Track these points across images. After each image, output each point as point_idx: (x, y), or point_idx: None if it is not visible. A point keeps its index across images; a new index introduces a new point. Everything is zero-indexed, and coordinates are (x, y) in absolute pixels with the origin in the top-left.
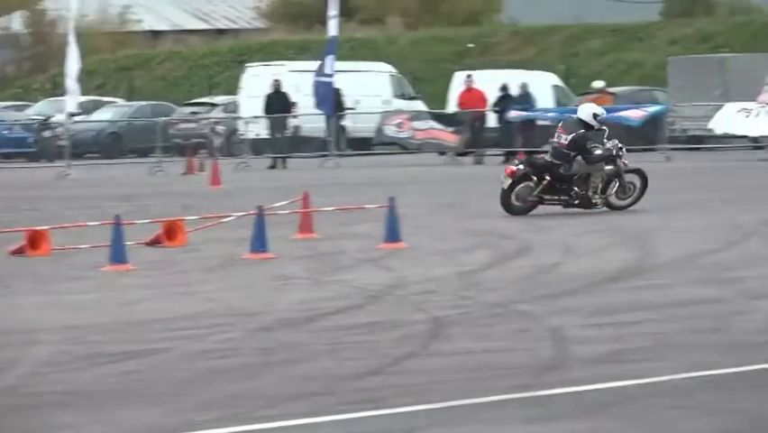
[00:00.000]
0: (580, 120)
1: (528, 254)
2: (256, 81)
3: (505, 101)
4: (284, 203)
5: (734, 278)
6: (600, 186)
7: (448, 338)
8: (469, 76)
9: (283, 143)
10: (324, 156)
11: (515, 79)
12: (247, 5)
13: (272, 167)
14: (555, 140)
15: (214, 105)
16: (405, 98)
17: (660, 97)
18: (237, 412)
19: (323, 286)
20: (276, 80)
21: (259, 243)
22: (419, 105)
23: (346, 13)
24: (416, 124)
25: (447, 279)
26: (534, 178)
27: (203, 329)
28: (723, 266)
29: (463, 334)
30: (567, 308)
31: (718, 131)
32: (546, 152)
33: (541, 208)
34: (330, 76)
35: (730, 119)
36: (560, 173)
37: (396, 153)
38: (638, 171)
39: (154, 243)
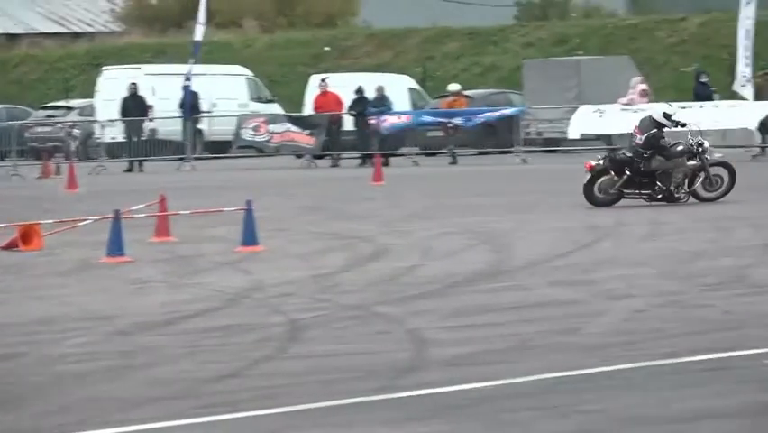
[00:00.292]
0: (653, 120)
1: (386, 257)
2: (112, 84)
3: (361, 104)
4: (140, 206)
5: (589, 279)
6: (685, 180)
7: (306, 341)
8: (323, 79)
9: (139, 147)
10: (180, 159)
11: (371, 82)
12: (102, 9)
13: (129, 170)
14: (633, 139)
15: (70, 108)
16: (261, 101)
17: (515, 100)
18: (95, 416)
19: (181, 289)
20: (132, 84)
21: (115, 246)
22: (276, 109)
23: None
24: (272, 127)
25: (304, 281)
26: (612, 172)
27: (59, 333)
28: (578, 268)
29: (321, 336)
30: (425, 310)
31: (575, 135)
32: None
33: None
34: (188, 79)
35: (585, 121)
36: (639, 169)
37: (253, 156)
38: (725, 164)
39: (10, 247)
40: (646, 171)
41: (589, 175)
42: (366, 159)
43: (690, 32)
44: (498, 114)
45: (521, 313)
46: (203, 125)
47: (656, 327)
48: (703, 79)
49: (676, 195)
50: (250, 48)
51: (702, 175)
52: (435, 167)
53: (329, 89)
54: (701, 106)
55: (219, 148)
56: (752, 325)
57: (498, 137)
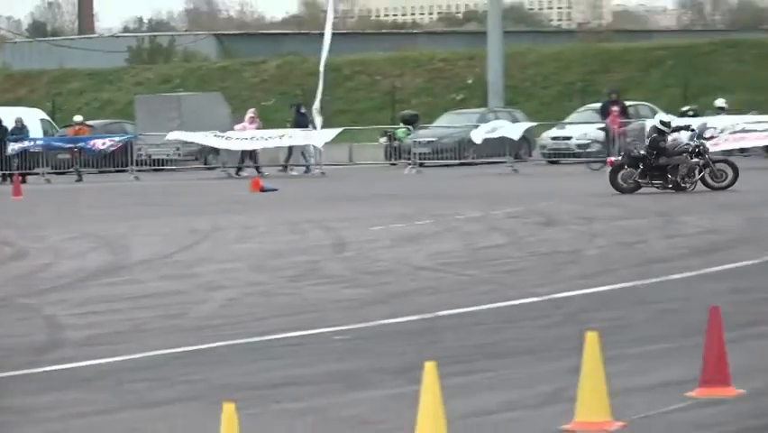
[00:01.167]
0: (654, 127)
1: (25, 258)
2: None
3: (1, 132)
4: None
5: (192, 273)
6: (692, 173)
7: None
8: None
9: None
10: None
11: (9, 115)
12: None
13: None
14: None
15: None
16: None
17: (129, 129)
18: None
19: None
20: None
21: None
22: None
23: None
24: None
25: None
26: (627, 167)
27: None
28: (183, 264)
29: None
30: (59, 300)
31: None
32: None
33: None
34: None
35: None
36: (651, 164)
37: None
38: (728, 162)
39: None
40: (656, 166)
41: (610, 168)
42: (6, 177)
43: (270, 72)
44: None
45: (138, 301)
46: None
47: (248, 312)
48: (302, 110)
49: (683, 185)
50: None
51: (707, 169)
52: (65, 183)
53: None
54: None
55: None
56: (326, 309)
57: (113, 159)
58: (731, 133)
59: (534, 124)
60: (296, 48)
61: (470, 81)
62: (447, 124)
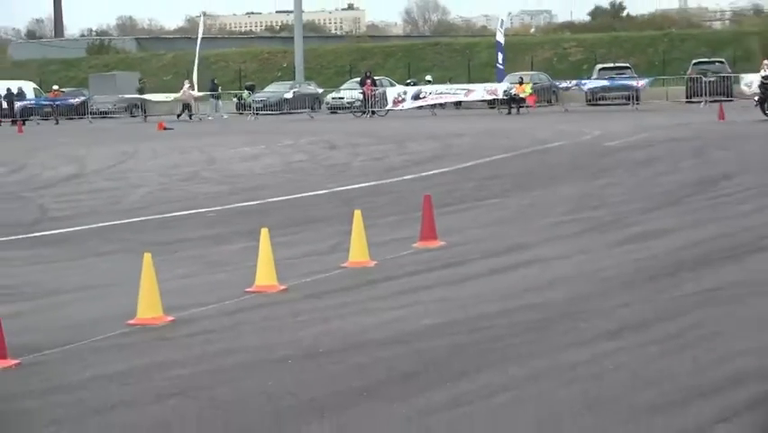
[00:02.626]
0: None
1: (24, 169)
2: None
3: (10, 96)
4: None
5: (123, 177)
6: None
7: None
8: None
9: None
10: None
11: (14, 86)
12: None
13: None
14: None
15: None
16: None
17: (85, 93)
18: None
19: None
20: None
21: None
22: None
23: None
24: None
25: None
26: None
27: None
28: (117, 171)
29: None
30: (46, 194)
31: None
32: None
33: None
34: None
35: None
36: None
37: None
38: None
39: None
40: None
41: (756, 99)
42: (14, 122)
43: (167, 61)
44: (78, 100)
45: (92, 195)
46: None
47: (156, 200)
48: (215, 81)
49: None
50: None
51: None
52: (47, 126)
53: None
54: None
55: None
56: (202, 198)
57: (77, 110)
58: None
59: (321, 90)
60: (182, 46)
61: (284, 65)
62: (273, 90)
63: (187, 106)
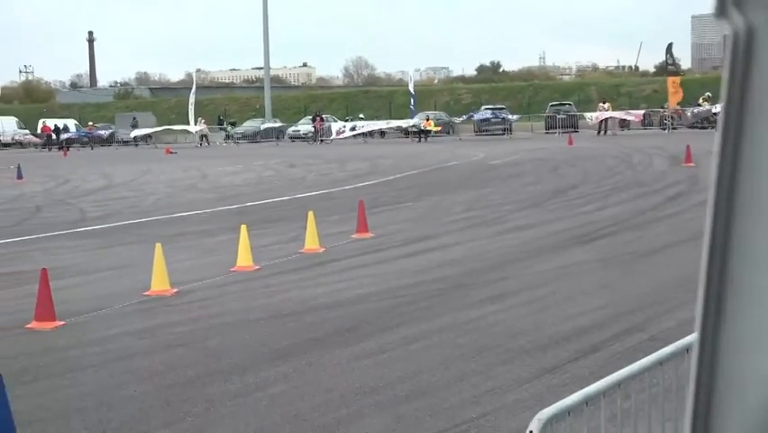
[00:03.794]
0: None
1: (69, 182)
2: None
3: (58, 130)
4: None
5: (140, 188)
6: None
7: None
8: None
9: None
10: None
11: (61, 123)
12: None
13: None
14: None
15: None
16: None
17: (113, 127)
18: None
19: None
20: None
21: None
22: None
23: None
24: None
25: None
26: None
27: None
28: (137, 184)
29: None
30: (85, 200)
31: None
32: None
33: None
34: None
35: None
36: None
37: None
38: None
39: None
40: None
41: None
42: (60, 148)
43: (173, 104)
44: (107, 132)
45: (118, 201)
46: None
47: (165, 205)
48: (222, 119)
49: None
50: None
51: None
52: (86, 151)
53: None
54: None
55: None
56: (198, 202)
57: (107, 141)
58: None
59: (284, 124)
60: (184, 93)
61: (258, 107)
62: (249, 125)
63: (204, 136)
